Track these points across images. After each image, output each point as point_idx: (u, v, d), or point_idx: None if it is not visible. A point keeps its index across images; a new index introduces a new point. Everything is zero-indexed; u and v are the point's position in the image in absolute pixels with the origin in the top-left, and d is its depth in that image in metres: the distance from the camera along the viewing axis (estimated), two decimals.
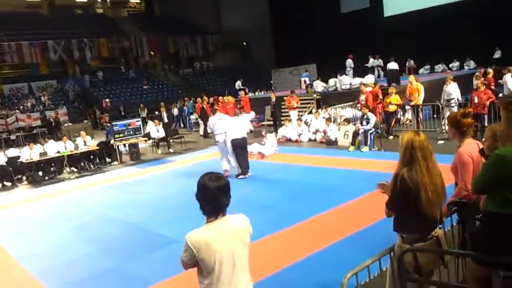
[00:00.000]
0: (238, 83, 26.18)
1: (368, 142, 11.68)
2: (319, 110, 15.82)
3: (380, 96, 13.57)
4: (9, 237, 7.91)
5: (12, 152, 14.43)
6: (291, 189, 8.72)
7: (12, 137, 21.73)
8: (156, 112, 24.42)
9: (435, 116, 13.17)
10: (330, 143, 13.15)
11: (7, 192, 12.48)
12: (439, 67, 24.00)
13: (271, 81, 28.53)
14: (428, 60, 24.06)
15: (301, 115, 16.78)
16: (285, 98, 17.73)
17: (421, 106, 13.06)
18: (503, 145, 3.04)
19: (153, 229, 7.29)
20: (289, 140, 14.82)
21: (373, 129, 11.78)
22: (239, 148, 9.99)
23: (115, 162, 14.58)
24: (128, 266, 5.88)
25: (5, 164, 13.19)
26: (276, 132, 15.92)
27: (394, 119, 13.30)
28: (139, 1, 42.26)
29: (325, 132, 13.77)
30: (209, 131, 11.47)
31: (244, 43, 40.05)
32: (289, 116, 16.89)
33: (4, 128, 22.41)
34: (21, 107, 25.30)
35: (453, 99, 12.59)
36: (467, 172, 3.65)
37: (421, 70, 24.45)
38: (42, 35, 31.10)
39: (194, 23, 37.99)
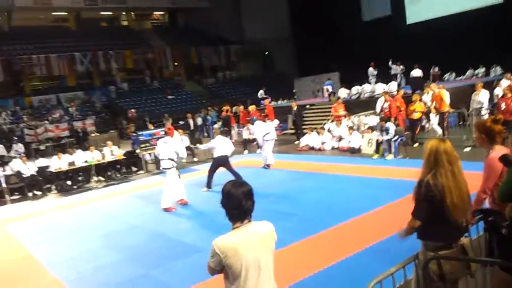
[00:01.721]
0: (261, 92, 26.30)
1: (393, 150, 11.57)
2: (342, 118, 15.77)
3: (403, 104, 13.45)
4: (38, 244, 8.13)
5: (42, 162, 14.83)
6: (315, 197, 8.71)
7: (42, 147, 22.31)
8: (181, 122, 24.73)
9: (461, 123, 12.97)
10: (354, 151, 13.09)
11: (37, 201, 12.83)
12: (466, 74, 23.59)
13: (294, 90, 28.60)
14: (453, 66, 23.71)
15: (325, 123, 16.75)
16: (331, 106, 17.06)
17: (446, 113, 12.87)
18: None
19: (177, 237, 7.39)
20: (312, 148, 14.80)
21: (396, 137, 11.67)
22: (217, 166, 10.34)
23: (141, 171, 14.83)
24: (154, 273, 5.97)
25: (35, 173, 13.57)
26: (299, 140, 15.96)
27: (419, 126, 13.15)
28: (163, 13, 42.99)
29: (341, 139, 13.89)
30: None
31: (266, 53, 40.24)
32: (312, 125, 16.84)
33: (33, 138, 23.01)
34: (50, 118, 25.95)
35: (483, 107, 12.28)
36: (492, 177, 3.63)
37: (446, 77, 24.09)
38: (69, 47, 31.92)
39: (216, 34, 38.41)
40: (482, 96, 12.37)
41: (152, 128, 18.23)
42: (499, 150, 3.67)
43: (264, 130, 12.51)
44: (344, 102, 16.42)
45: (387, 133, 11.67)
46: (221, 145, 10.28)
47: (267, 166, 12.33)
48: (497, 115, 4.11)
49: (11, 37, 31.41)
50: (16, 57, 29.58)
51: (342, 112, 15.96)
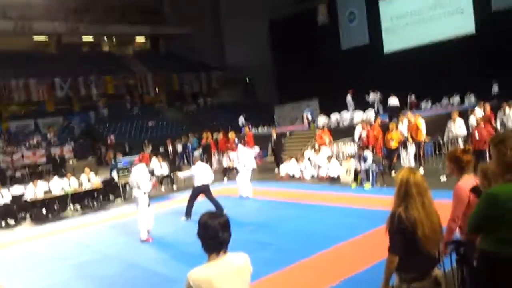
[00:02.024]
0: (242, 119, 26.44)
1: (370, 179, 11.68)
2: (321, 146, 15.90)
3: (380, 133, 13.65)
4: (11, 275, 7.89)
5: (17, 189, 14.49)
6: (293, 227, 8.71)
7: (17, 174, 21.85)
8: (161, 149, 24.58)
9: (437, 152, 13.20)
10: (333, 180, 13.17)
11: (10, 230, 12.47)
12: (441, 102, 24.14)
13: (274, 116, 28.82)
14: (429, 94, 24.30)
15: (304, 151, 16.85)
16: (316, 132, 16.56)
17: (423, 143, 13.07)
18: (494, 183, 3.10)
19: (152, 267, 7.26)
20: (292, 176, 14.84)
21: (374, 166, 11.80)
22: (197, 194, 10.19)
23: (118, 200, 14.60)
24: None
25: (9, 202, 13.23)
26: (278, 168, 16.00)
27: (396, 155, 13.32)
28: (144, 40, 43.25)
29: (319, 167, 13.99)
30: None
31: (247, 79, 40.68)
32: (292, 152, 16.92)
33: (9, 165, 22.56)
34: (27, 144, 25.52)
35: (460, 136, 12.49)
36: (459, 206, 3.71)
37: (423, 105, 24.64)
38: (49, 73, 31.71)
39: (198, 60, 38.72)
40: (458, 125, 12.64)
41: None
42: (466, 179, 3.76)
43: (245, 157, 12.37)
44: (329, 129, 16.30)
45: (365, 162, 11.79)
46: (201, 173, 10.18)
47: (243, 196, 12.03)
48: (467, 145, 4.24)
49: None
50: None
51: (327, 139, 15.77)
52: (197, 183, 10.16)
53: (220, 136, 19.55)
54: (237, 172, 12.77)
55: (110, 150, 24.63)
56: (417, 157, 13.04)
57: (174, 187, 15.60)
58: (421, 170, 12.14)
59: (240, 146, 13.01)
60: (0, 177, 19.42)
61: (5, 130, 28.45)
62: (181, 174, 11.88)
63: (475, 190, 3.68)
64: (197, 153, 21.19)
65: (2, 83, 29.31)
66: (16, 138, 27.24)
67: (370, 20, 28.92)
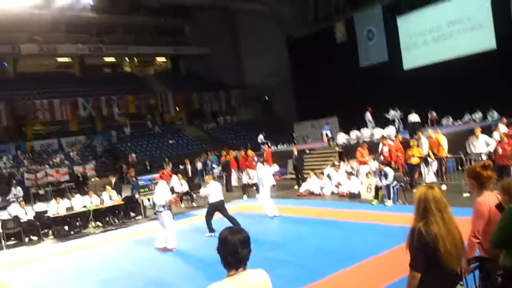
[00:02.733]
0: (261, 137, 26.53)
1: (392, 196, 11.55)
2: (341, 163, 15.82)
3: (401, 149, 13.53)
4: None
5: (40, 206, 14.79)
6: (313, 244, 8.63)
7: (41, 191, 22.29)
8: (181, 166, 24.81)
9: (459, 168, 13.00)
10: (353, 197, 13.06)
11: (33, 246, 12.68)
12: (463, 119, 23.84)
13: (293, 134, 28.84)
14: (450, 111, 24.04)
15: (324, 168, 16.79)
16: (357, 150, 14.82)
17: (445, 159, 12.91)
18: None
19: (175, 285, 7.28)
20: (312, 193, 14.78)
21: (395, 183, 11.68)
22: (213, 211, 10.29)
23: (139, 217, 14.73)
24: None
25: (32, 218, 13.48)
26: (299, 186, 15.94)
27: (417, 171, 13.17)
28: (165, 60, 44.07)
29: (339, 185, 13.84)
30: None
31: (266, 97, 40.92)
32: (312, 170, 16.85)
33: (33, 182, 23.05)
34: (51, 162, 26.08)
35: (482, 153, 12.28)
36: (480, 221, 3.67)
37: (443, 122, 24.36)
38: (72, 93, 32.54)
39: (217, 79, 39.24)
40: (481, 141, 12.42)
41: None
42: (487, 195, 3.72)
43: (265, 175, 12.22)
44: (364, 146, 14.94)
45: (386, 178, 11.69)
46: (214, 190, 10.30)
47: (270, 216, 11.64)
48: (486, 160, 4.18)
49: (16, 83, 32.12)
50: (20, 102, 30.07)
51: (367, 157, 14.55)
52: (212, 200, 10.27)
53: (240, 153, 19.63)
54: (257, 190, 12.77)
55: (131, 168, 24.93)
56: (439, 173, 12.88)
57: (194, 204, 15.67)
58: (443, 187, 12.00)
59: (259, 164, 12.87)
60: (25, 195, 19.81)
61: (30, 149, 29.17)
62: (201, 193, 11.89)
63: (499, 207, 3.64)
64: (216, 170, 21.37)
65: (27, 103, 30.17)
66: (40, 156, 27.90)
67: (389, 37, 28.91)
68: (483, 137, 12.52)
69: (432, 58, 25.99)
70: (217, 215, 10.31)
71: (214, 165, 22.59)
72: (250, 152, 17.87)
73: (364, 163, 14.44)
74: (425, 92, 23.72)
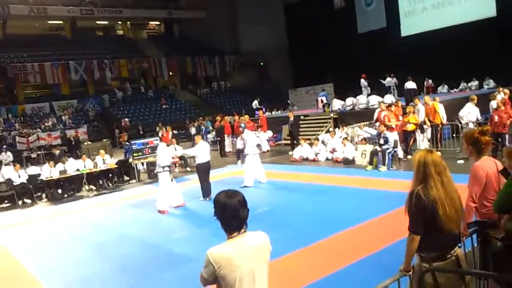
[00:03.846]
0: (255, 103, 26.32)
1: (386, 162, 11.55)
2: (336, 130, 15.76)
3: (397, 116, 13.45)
4: (27, 253, 7.99)
5: (33, 170, 14.69)
6: (308, 208, 8.65)
7: (33, 155, 22.14)
8: (175, 131, 24.70)
9: (454, 135, 12.99)
10: (348, 163, 13.06)
11: (27, 209, 12.66)
12: (459, 87, 23.73)
13: (288, 101, 28.67)
14: (446, 79, 23.89)
15: (318, 134, 16.74)
16: (383, 115, 13.24)
17: (440, 126, 12.88)
18: None
19: (169, 247, 7.28)
20: (306, 159, 14.76)
21: (391, 149, 11.66)
22: (203, 172, 10.30)
23: (133, 180, 14.71)
24: (144, 284, 5.87)
25: (25, 181, 13.40)
26: (292, 151, 15.92)
27: (412, 138, 13.15)
28: (158, 23, 43.15)
29: (334, 151, 13.77)
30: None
31: (261, 63, 40.44)
32: (306, 136, 16.79)
33: (26, 146, 22.85)
34: (43, 126, 25.81)
35: (471, 121, 12.25)
36: (477, 185, 3.64)
37: (439, 89, 24.26)
38: (64, 56, 31.94)
39: (212, 44, 38.59)
40: (467, 109, 12.36)
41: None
42: (484, 160, 3.67)
43: (253, 141, 11.73)
44: (397, 104, 13.86)
45: (386, 142, 11.65)
46: (203, 151, 10.30)
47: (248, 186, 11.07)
48: (484, 126, 4.10)
49: (6, 45, 31.38)
50: (10, 65, 29.50)
51: (394, 122, 13.00)
52: (199, 160, 10.27)
53: (234, 119, 19.50)
54: (238, 157, 12.50)
55: (124, 132, 24.78)
56: (434, 140, 12.87)
57: (188, 168, 15.63)
58: (438, 154, 11.98)
59: (246, 130, 12.52)
60: (17, 158, 19.66)
61: (21, 112, 28.82)
62: (187, 152, 11.75)
63: (504, 172, 3.59)
64: (210, 136, 21.29)
65: (18, 66, 29.60)
66: (31, 120, 27.58)
67: (387, 3, 28.40)
68: (470, 106, 12.44)
69: (431, 25, 25.64)
70: (212, 179, 10.28)
71: (208, 130, 22.47)
72: (246, 117, 17.74)
73: (391, 129, 12.55)
74: (422, 59, 23.52)
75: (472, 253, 3.86)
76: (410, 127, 12.77)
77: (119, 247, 7.66)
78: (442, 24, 24.96)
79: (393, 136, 11.94)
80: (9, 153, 19.98)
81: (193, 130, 23.55)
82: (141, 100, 33.77)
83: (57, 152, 19.06)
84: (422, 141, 13.20)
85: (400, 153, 12.49)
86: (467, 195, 3.71)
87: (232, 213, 2.50)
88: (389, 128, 12.37)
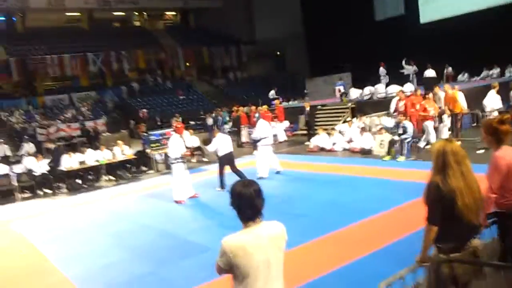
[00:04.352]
0: (272, 93, 26.24)
1: (404, 152, 11.42)
2: (353, 119, 15.63)
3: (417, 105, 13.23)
4: (48, 242, 8.15)
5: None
6: (325, 198, 8.62)
7: (53, 146, 22.45)
8: (191, 122, 24.82)
9: (474, 124, 12.76)
10: (365, 153, 12.95)
11: (47, 199, 12.91)
12: (480, 75, 23.22)
13: (305, 90, 28.48)
14: (467, 67, 23.40)
15: (335, 124, 16.62)
16: (416, 103, 12.78)
17: (460, 115, 12.65)
18: None
19: (186, 236, 7.36)
20: (323, 149, 14.68)
21: (410, 138, 11.52)
22: (224, 163, 10.25)
23: (151, 171, 14.86)
24: (162, 271, 5.95)
25: (46, 172, 13.65)
26: (309, 141, 15.85)
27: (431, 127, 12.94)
28: (174, 14, 43.18)
29: (351, 141, 13.65)
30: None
31: (278, 53, 40.19)
32: (324, 126, 16.67)
33: (46, 137, 23.22)
34: (62, 117, 26.18)
35: (494, 110, 11.95)
36: (496, 175, 3.57)
37: (459, 77, 23.80)
38: (82, 48, 32.22)
39: (228, 34, 38.48)
40: (490, 97, 12.05)
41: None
42: (505, 150, 3.59)
43: (265, 132, 11.37)
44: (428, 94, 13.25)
45: (405, 132, 11.51)
46: (222, 143, 10.24)
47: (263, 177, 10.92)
48: (503, 114, 4.01)
49: (25, 38, 31.84)
50: (30, 58, 29.92)
51: (432, 110, 12.38)
52: (221, 153, 10.22)
53: (252, 109, 19.48)
54: (255, 147, 12.35)
55: (141, 123, 24.97)
56: (453, 129, 12.66)
57: (204, 159, 15.70)
58: (458, 143, 11.79)
59: (260, 119, 12.26)
60: (38, 149, 19.99)
61: (41, 104, 29.27)
62: (209, 148, 11.65)
63: None
64: (227, 126, 21.32)
65: (37, 58, 30.01)
66: (51, 112, 27.99)
67: None
68: (492, 94, 12.12)
69: (450, 11, 25.02)
70: (229, 170, 10.29)
71: (225, 121, 22.51)
72: (264, 107, 17.71)
73: (427, 118, 12.25)
74: (442, 47, 22.99)
75: (491, 245, 3.80)
76: (432, 113, 12.42)
77: (137, 236, 7.77)
78: (462, 10, 24.34)
79: (411, 126, 11.77)
80: (31, 144, 20.33)
81: (210, 121, 23.61)
82: (158, 91, 33.95)
83: (76, 142, 19.34)
84: (442, 130, 12.99)
85: (422, 143, 12.30)
86: (487, 185, 3.64)
87: (247, 203, 2.52)
88: (427, 117, 12.08)
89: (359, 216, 7.05)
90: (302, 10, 35.56)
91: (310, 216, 7.53)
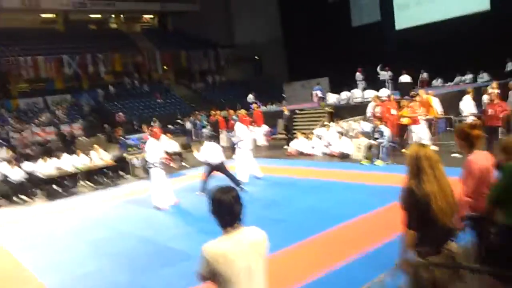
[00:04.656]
0: (250, 97, 26.31)
1: (382, 156, 11.61)
2: (331, 123, 15.80)
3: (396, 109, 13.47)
4: (26, 250, 7.99)
5: (27, 166, 14.60)
6: (304, 203, 8.67)
7: (28, 151, 21.99)
8: (170, 126, 24.64)
9: (448, 129, 13.06)
10: (344, 157, 13.11)
11: (23, 206, 12.61)
12: (454, 80, 23.77)
13: (283, 95, 28.63)
14: (441, 72, 23.94)
15: (313, 129, 16.76)
16: (406, 106, 12.72)
17: (435, 120, 12.93)
18: None
19: (166, 243, 7.31)
20: (302, 153, 14.79)
21: (386, 142, 11.71)
22: (211, 170, 10.07)
23: (128, 176, 14.69)
24: (141, 280, 5.89)
25: (23, 178, 13.32)
26: (288, 145, 15.94)
27: (407, 132, 13.19)
28: (152, 17, 42.85)
29: (329, 145, 13.78)
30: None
31: (256, 57, 40.32)
32: (302, 130, 16.80)
33: (20, 142, 22.72)
34: (37, 121, 25.66)
35: (467, 115, 12.30)
36: (470, 178, 3.68)
37: (433, 83, 24.32)
38: (57, 50, 31.66)
39: (206, 38, 38.39)
40: (466, 102, 12.42)
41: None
42: (477, 154, 3.71)
43: (242, 135, 11.34)
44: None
45: (382, 136, 11.69)
46: (211, 152, 10.01)
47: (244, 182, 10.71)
48: (474, 120, 4.16)
49: None
50: (3, 59, 29.22)
51: (421, 112, 12.40)
52: (211, 161, 10.03)
53: (230, 113, 19.48)
54: (233, 151, 12.19)
55: (118, 127, 24.68)
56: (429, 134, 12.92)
57: (184, 163, 15.61)
58: (434, 147, 12.07)
59: (237, 123, 12.01)
60: (12, 154, 19.52)
61: (15, 107, 28.60)
62: (198, 157, 10.78)
63: (498, 166, 3.64)
64: (205, 130, 21.24)
65: (10, 60, 29.32)
66: (26, 115, 27.39)
67: None
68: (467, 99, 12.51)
69: (425, 18, 25.61)
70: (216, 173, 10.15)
71: (203, 125, 22.44)
72: (242, 111, 17.71)
73: (416, 121, 12.30)
74: (416, 53, 23.51)
75: (467, 248, 3.91)
76: (405, 121, 12.79)
77: (116, 244, 7.67)
78: (436, 17, 24.96)
79: (387, 130, 11.97)
80: (4, 149, 19.85)
81: (188, 125, 23.53)
82: (135, 95, 33.60)
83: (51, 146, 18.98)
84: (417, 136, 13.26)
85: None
86: (461, 189, 3.75)
87: (227, 209, 2.52)
88: (416, 121, 12.26)
89: (339, 220, 7.12)
90: (281, 14, 35.81)
91: (289, 221, 7.57)
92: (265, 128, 19.45)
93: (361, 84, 21.34)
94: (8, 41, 30.94)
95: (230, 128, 18.28)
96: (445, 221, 3.04)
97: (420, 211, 3.01)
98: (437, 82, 24.30)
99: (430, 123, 12.93)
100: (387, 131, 11.86)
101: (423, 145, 3.23)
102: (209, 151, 10.04)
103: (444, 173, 3.11)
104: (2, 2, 30.53)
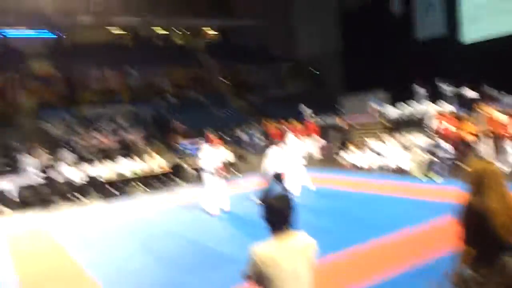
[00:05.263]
0: (305, 109, 26.14)
1: (441, 171, 11.10)
2: (389, 137, 15.35)
3: (457, 125, 12.89)
4: (79, 248, 8.34)
5: (90, 170, 15.34)
6: (357, 216, 8.47)
7: (92, 157, 23.10)
8: (226, 138, 24.98)
9: None
10: (401, 172, 12.67)
11: (81, 206, 13.23)
12: None
13: (339, 107, 28.30)
14: (509, 88, 22.64)
15: (369, 142, 16.36)
16: (470, 122, 12.44)
17: (501, 137, 12.17)
18: None
19: (212, 245, 7.45)
20: (356, 166, 14.45)
21: (446, 158, 11.20)
22: (271, 178, 9.86)
23: (185, 183, 15.04)
24: (189, 279, 5.98)
25: (84, 181, 14.02)
26: (342, 158, 15.66)
27: (471, 148, 12.55)
28: (214, 32, 44.11)
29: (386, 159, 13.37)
30: None
31: (317, 71, 40.21)
32: (358, 143, 16.46)
33: (83, 147, 23.90)
34: (101, 129, 26.94)
35: None
36: None
37: (501, 99, 23.03)
38: (124, 64, 33.32)
39: (266, 51, 38.88)
40: None
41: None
42: None
43: (295, 147, 11.39)
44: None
45: (442, 151, 11.23)
46: (273, 160, 9.94)
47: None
48: None
49: (71, 54, 33.20)
50: (74, 72, 31.13)
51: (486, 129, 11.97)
52: (273, 169, 9.93)
53: (284, 126, 19.48)
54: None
55: (177, 137, 25.38)
56: (494, 151, 12.20)
57: (239, 174, 15.76)
58: (498, 164, 11.38)
59: (290, 135, 12.03)
60: (77, 159, 20.59)
61: (82, 116, 30.28)
62: (266, 168, 10.39)
63: None
64: (260, 142, 21.35)
65: (82, 72, 31.19)
66: (91, 123, 28.87)
67: (449, 8, 27.40)
68: None
69: (495, 31, 24.42)
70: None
71: (258, 136, 22.57)
72: (297, 123, 17.70)
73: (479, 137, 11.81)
74: (483, 67, 22.40)
75: None
76: (469, 137, 12.18)
77: (167, 244, 7.89)
78: (506, 30, 23.73)
79: (449, 146, 11.46)
80: (70, 154, 20.97)
81: (244, 137, 23.77)
82: (195, 107, 34.52)
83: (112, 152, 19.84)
84: (483, 152, 12.57)
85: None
86: None
87: (277, 215, 2.54)
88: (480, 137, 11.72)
89: (391, 234, 6.87)
90: (342, 28, 35.58)
91: (340, 232, 7.41)
92: (320, 140, 19.25)
93: (422, 98, 20.62)
94: (80, 55, 33.01)
95: (284, 140, 18.25)
96: (506, 237, 2.86)
97: (480, 227, 2.86)
98: (505, 98, 22.97)
99: (497, 141, 12.20)
100: (447, 147, 11.34)
101: (487, 161, 3.09)
102: (271, 160, 9.98)
103: (507, 190, 2.95)
104: (77, 20, 32.77)
